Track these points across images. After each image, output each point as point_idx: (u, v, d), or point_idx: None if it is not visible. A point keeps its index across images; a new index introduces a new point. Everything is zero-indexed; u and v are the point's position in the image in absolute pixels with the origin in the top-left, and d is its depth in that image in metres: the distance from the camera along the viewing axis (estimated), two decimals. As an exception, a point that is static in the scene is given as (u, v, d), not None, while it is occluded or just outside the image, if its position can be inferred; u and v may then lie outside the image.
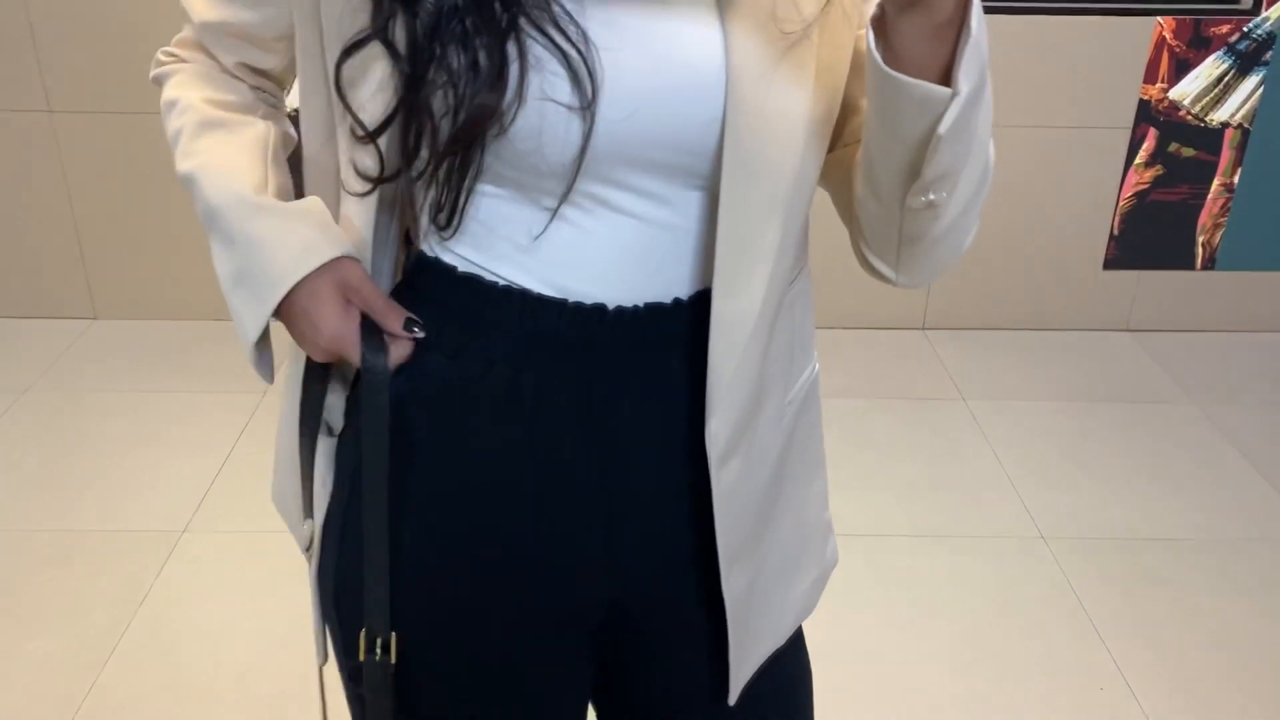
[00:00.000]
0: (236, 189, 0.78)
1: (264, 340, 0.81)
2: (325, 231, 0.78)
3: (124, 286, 3.09)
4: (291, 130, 0.89)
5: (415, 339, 0.78)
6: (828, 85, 0.73)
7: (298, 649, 1.91)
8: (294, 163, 0.89)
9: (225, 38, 0.83)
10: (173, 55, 0.88)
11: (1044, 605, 2.10)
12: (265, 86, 0.89)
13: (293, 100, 0.86)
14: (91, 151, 2.93)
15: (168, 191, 2.95)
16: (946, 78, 0.64)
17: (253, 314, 0.78)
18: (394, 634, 0.80)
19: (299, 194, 0.83)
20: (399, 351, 0.78)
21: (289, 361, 0.87)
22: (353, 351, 0.77)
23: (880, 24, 0.64)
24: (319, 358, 0.80)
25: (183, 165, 0.81)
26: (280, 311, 0.78)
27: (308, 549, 0.87)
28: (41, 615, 2.01)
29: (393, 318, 0.78)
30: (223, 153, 0.80)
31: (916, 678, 1.92)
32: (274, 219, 0.77)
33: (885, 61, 0.64)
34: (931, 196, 0.70)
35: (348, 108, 0.72)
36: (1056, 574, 2.19)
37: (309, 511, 0.86)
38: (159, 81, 0.87)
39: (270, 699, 1.82)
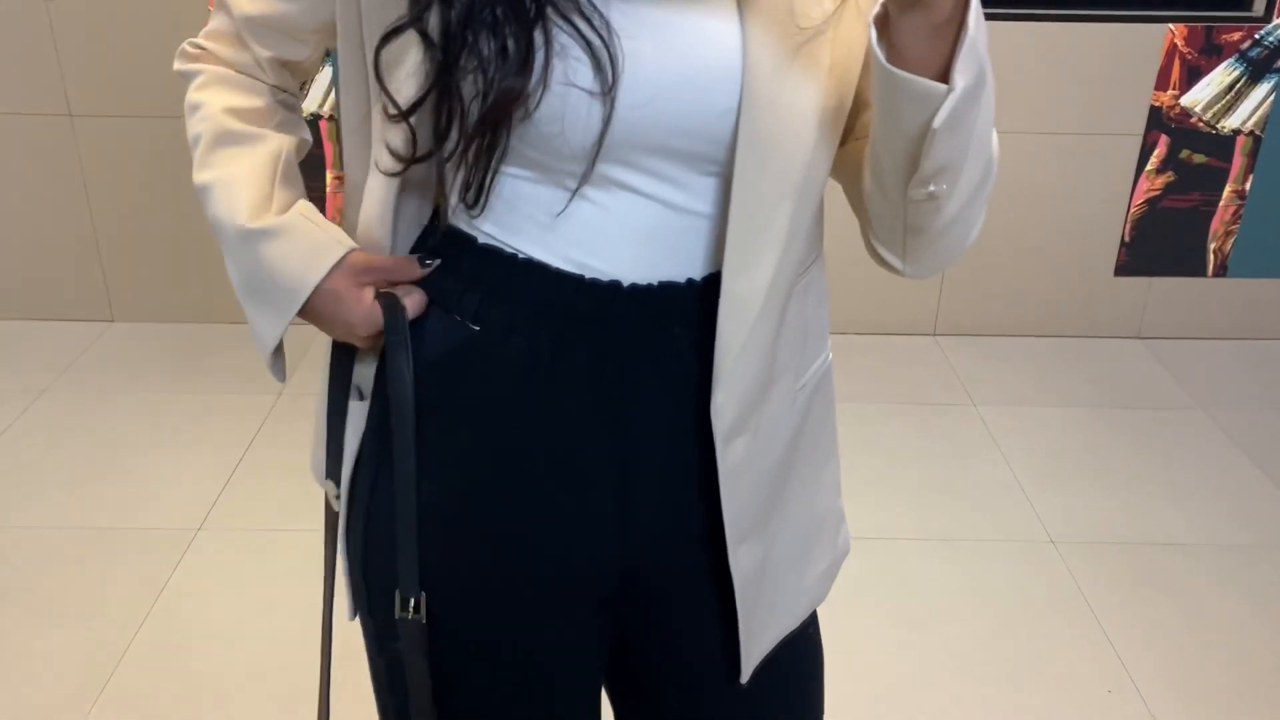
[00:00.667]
0: (237, 217, 0.82)
1: (279, 345, 0.86)
2: (323, 235, 0.83)
3: (141, 289, 3.12)
4: (306, 135, 0.93)
5: (431, 270, 0.82)
6: (840, 79, 0.76)
7: (312, 646, 1.92)
8: (306, 164, 0.92)
9: (265, 30, 0.86)
10: (200, 48, 0.90)
11: (1053, 609, 2.10)
12: (287, 86, 0.92)
13: (310, 104, 0.89)
14: (110, 155, 2.97)
15: (185, 195, 2.98)
16: (946, 75, 0.67)
17: (270, 322, 0.84)
18: (422, 594, 0.84)
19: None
20: (416, 299, 0.83)
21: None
22: (378, 319, 0.82)
23: (883, 22, 0.67)
24: (365, 346, 0.86)
25: (198, 176, 0.85)
26: (305, 315, 0.84)
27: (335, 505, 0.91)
28: (58, 611, 2.03)
29: (406, 269, 0.82)
30: (233, 171, 0.84)
31: (925, 681, 1.93)
32: (273, 241, 0.82)
33: (887, 58, 0.67)
34: (931, 188, 0.73)
35: (385, 90, 0.76)
36: (1066, 578, 2.19)
37: (333, 474, 0.89)
38: (185, 77, 0.90)
39: (284, 696, 1.84)
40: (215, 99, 0.87)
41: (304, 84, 0.95)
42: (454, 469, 0.84)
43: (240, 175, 0.84)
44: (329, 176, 2.67)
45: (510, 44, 0.71)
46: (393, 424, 0.83)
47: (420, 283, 0.84)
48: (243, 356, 2.92)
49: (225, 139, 0.86)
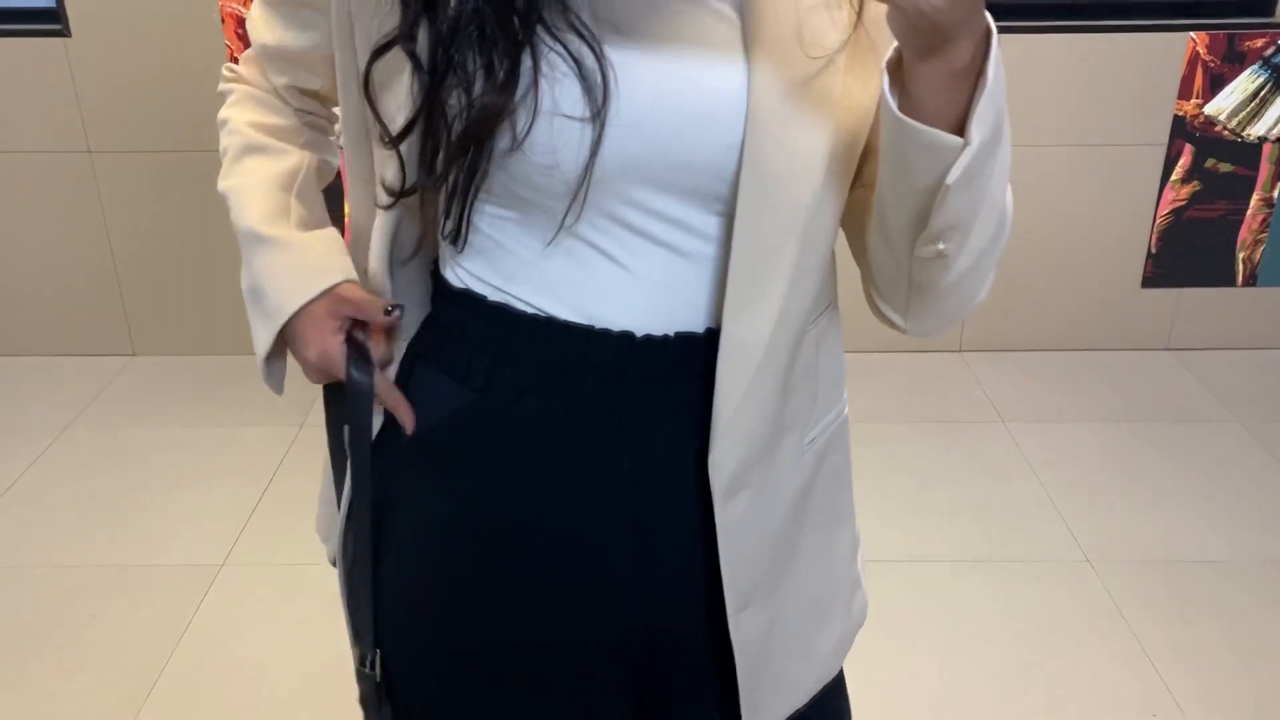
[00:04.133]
0: (250, 220, 0.84)
1: (275, 355, 0.86)
2: (326, 260, 0.83)
3: (162, 323, 3.13)
4: (333, 158, 0.94)
5: (394, 319, 0.81)
6: (852, 118, 0.72)
7: (337, 682, 1.91)
8: (327, 194, 0.93)
9: (279, 60, 0.88)
10: (234, 72, 0.93)
11: (1092, 630, 2.06)
12: (313, 109, 0.92)
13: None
14: (129, 190, 2.97)
15: (204, 229, 2.99)
16: (961, 127, 0.63)
17: (263, 331, 0.84)
18: (378, 651, 0.84)
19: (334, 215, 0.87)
20: (385, 337, 0.82)
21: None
22: (339, 368, 0.81)
23: (896, 67, 0.64)
24: (312, 378, 0.85)
25: (221, 184, 0.88)
26: (286, 334, 0.84)
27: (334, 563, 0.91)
28: (83, 650, 2.01)
29: (373, 310, 0.81)
30: (252, 180, 0.86)
31: (961, 707, 1.88)
32: (278, 252, 0.83)
33: (900, 107, 0.63)
34: (941, 246, 0.69)
35: (375, 113, 0.75)
36: (1104, 598, 2.14)
37: (332, 529, 0.89)
38: (222, 96, 0.93)
39: (310, 733, 1.82)
40: (242, 114, 0.90)
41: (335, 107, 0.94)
42: (466, 539, 0.81)
43: (257, 184, 0.86)
44: (347, 208, 2.67)
45: (495, 60, 0.69)
46: (352, 475, 0.82)
47: (429, 350, 0.82)
48: (264, 388, 2.90)
49: (248, 150, 0.88)
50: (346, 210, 2.67)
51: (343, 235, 0.87)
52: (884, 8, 0.61)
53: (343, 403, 0.84)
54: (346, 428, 0.84)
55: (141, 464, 2.63)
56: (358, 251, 0.86)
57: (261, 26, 0.87)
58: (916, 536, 2.34)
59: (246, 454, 2.65)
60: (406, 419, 0.81)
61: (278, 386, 0.88)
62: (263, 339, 0.84)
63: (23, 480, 2.55)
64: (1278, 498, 2.47)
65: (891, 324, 0.81)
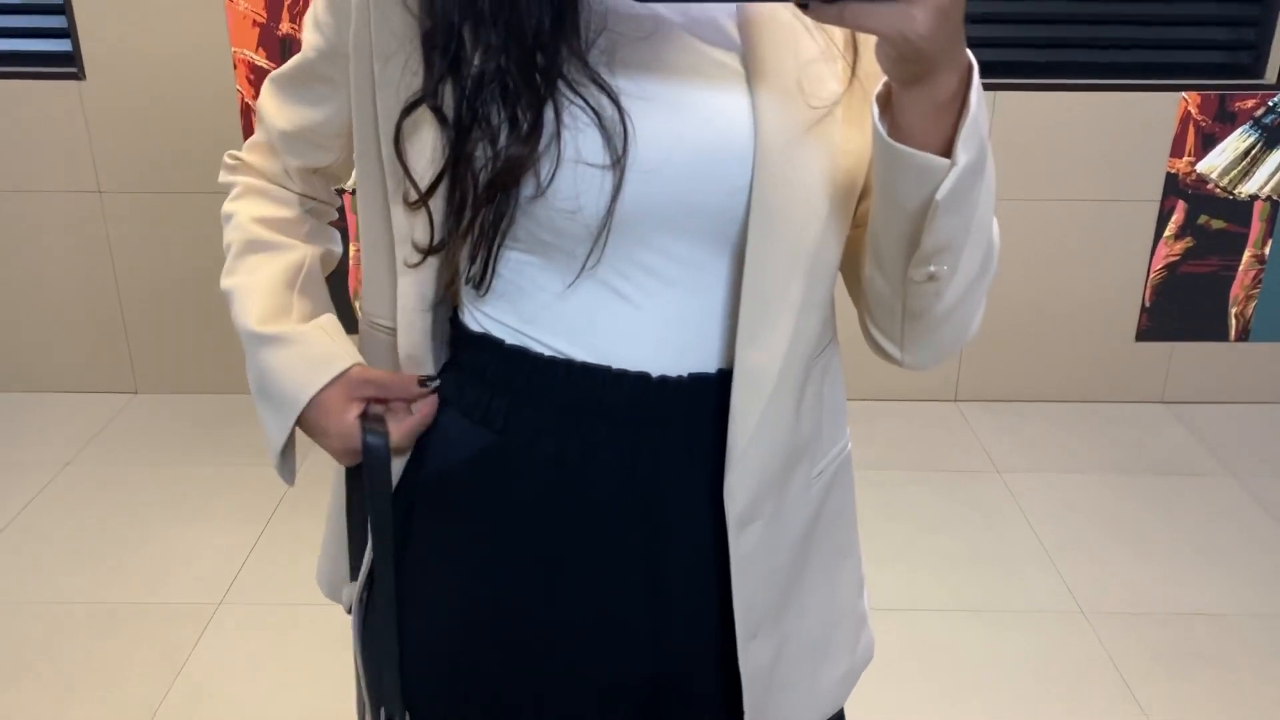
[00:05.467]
0: (250, 321, 0.86)
1: (287, 448, 0.87)
2: (330, 348, 0.85)
3: (165, 362, 3.15)
4: (335, 247, 0.97)
5: (430, 391, 0.83)
6: (850, 161, 0.76)
7: (332, 723, 1.91)
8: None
9: (293, 142, 0.90)
10: (238, 160, 0.95)
11: (1086, 681, 2.06)
12: (318, 194, 0.95)
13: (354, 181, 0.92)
14: (137, 230, 3.01)
15: (209, 269, 3.02)
16: (947, 153, 0.67)
17: (276, 427, 0.86)
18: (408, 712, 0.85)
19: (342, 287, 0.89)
20: (408, 425, 0.83)
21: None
22: (359, 441, 0.83)
23: (886, 100, 0.68)
24: (342, 460, 0.86)
25: (225, 281, 0.90)
26: (302, 425, 0.85)
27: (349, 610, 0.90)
28: (79, 687, 2.01)
29: (404, 387, 0.83)
30: (253, 280, 0.88)
31: (957, 756, 1.88)
32: (280, 347, 0.85)
33: (890, 135, 0.67)
34: (932, 269, 0.72)
35: (406, 170, 0.77)
36: (1097, 649, 2.15)
37: (356, 574, 0.89)
38: (226, 189, 0.95)
39: (304, 774, 1.81)
40: (246, 209, 0.91)
41: (343, 181, 0.97)
42: (481, 580, 0.83)
43: (257, 283, 0.88)
44: (352, 249, 2.71)
45: (519, 114, 0.72)
46: (373, 544, 0.83)
47: (449, 394, 0.84)
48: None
49: (251, 247, 0.90)
50: (351, 249, 2.70)
51: (348, 271, 0.88)
52: (876, 65, 0.66)
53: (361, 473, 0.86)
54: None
55: (141, 501, 2.64)
56: (370, 308, 0.88)
57: (274, 111, 0.90)
58: (911, 584, 2.35)
59: (246, 493, 2.66)
60: (424, 415, 0.83)
61: (290, 478, 0.90)
62: (276, 434, 0.86)
63: (23, 516, 2.56)
64: (1270, 551, 2.48)
65: (888, 356, 0.83)
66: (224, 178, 0.96)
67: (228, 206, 0.93)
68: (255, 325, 0.85)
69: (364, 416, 0.83)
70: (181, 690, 2.01)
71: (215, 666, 2.08)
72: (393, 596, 0.84)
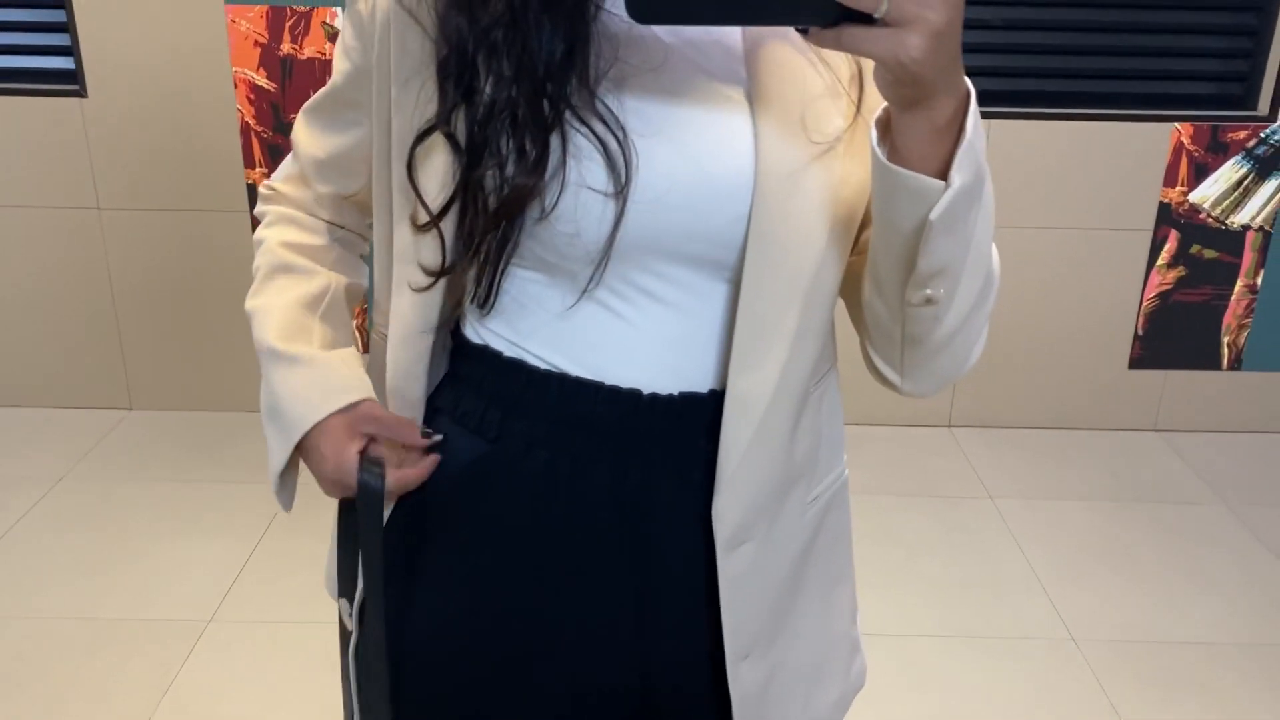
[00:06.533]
0: (270, 338, 0.86)
1: (288, 472, 0.88)
2: (346, 379, 0.86)
3: (160, 378, 3.15)
4: (362, 280, 0.98)
5: (431, 443, 0.84)
6: (850, 193, 0.77)
7: (320, 742, 1.90)
8: None
9: (326, 169, 0.92)
10: (272, 189, 0.96)
11: (1076, 708, 2.06)
12: (349, 223, 0.96)
13: None
14: (135, 247, 3.02)
15: (206, 286, 3.03)
16: (944, 176, 0.68)
17: (279, 447, 0.86)
18: None
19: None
20: (407, 475, 0.84)
21: None
22: (353, 479, 0.83)
23: (885, 126, 0.69)
24: (328, 491, 0.87)
25: (249, 302, 0.91)
26: (301, 451, 0.86)
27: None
28: (68, 703, 2.01)
29: (407, 432, 0.84)
30: (278, 301, 0.89)
31: (946, 782, 1.88)
32: (297, 368, 0.85)
33: (888, 159, 0.68)
34: (929, 291, 0.73)
35: (417, 192, 0.78)
36: (1088, 676, 2.15)
37: (346, 592, 0.89)
38: (260, 217, 0.97)
39: (291, 793, 1.81)
40: (276, 235, 0.93)
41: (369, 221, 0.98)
42: (470, 589, 0.84)
43: (281, 303, 0.89)
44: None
45: (528, 143, 0.73)
46: (364, 579, 0.84)
47: (445, 404, 0.85)
48: (259, 445, 2.91)
49: (277, 270, 0.91)
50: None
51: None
52: (880, 100, 0.67)
53: (354, 511, 0.86)
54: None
55: (133, 517, 2.63)
56: (380, 318, 0.89)
57: (307, 141, 0.91)
58: (903, 609, 2.35)
59: (238, 510, 2.66)
60: (422, 473, 0.84)
61: (288, 504, 0.90)
62: (278, 454, 0.86)
63: (15, 530, 2.56)
64: (1260, 580, 2.48)
65: (888, 383, 0.84)
66: (260, 208, 0.97)
67: (260, 233, 0.95)
68: (276, 342, 0.86)
69: (364, 455, 0.84)
70: (170, 707, 2.00)
71: (204, 684, 2.07)
72: (382, 626, 0.84)
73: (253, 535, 2.55)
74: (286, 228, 0.94)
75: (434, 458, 0.84)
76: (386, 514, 0.86)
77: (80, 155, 2.93)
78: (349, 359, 0.88)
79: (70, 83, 2.87)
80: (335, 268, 0.94)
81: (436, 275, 0.79)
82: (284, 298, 0.89)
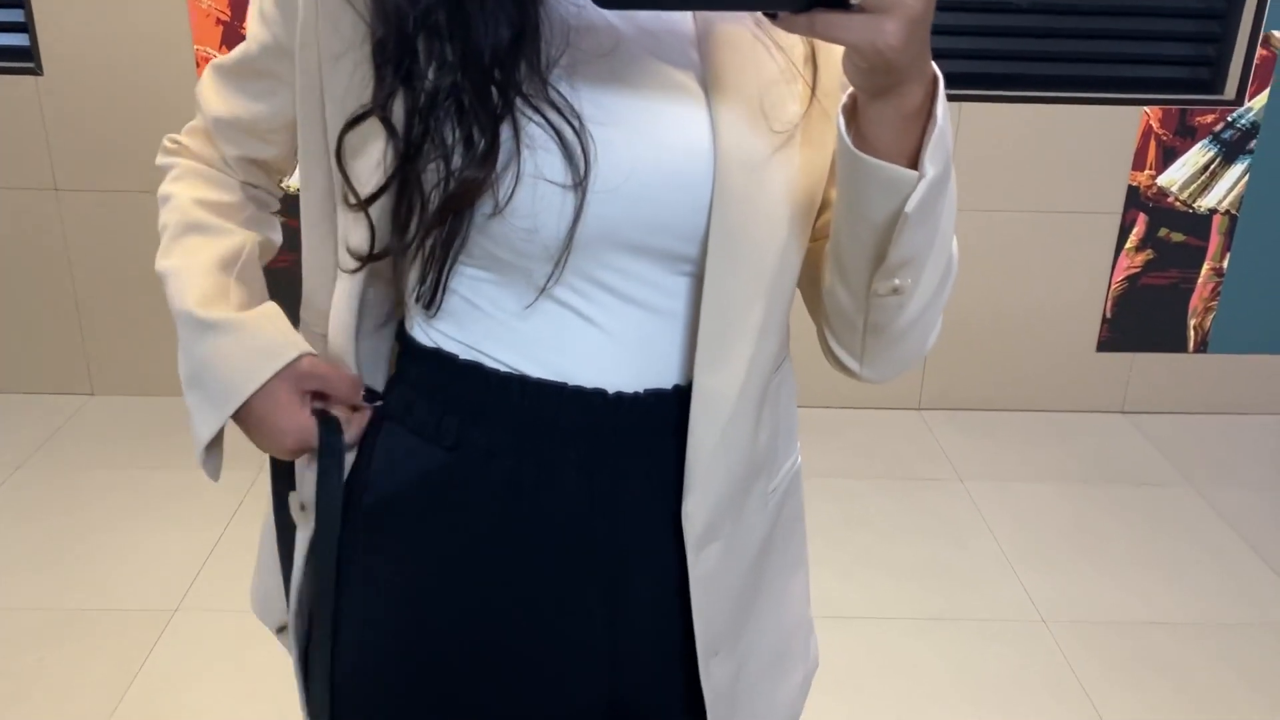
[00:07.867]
0: (189, 304, 0.81)
1: (215, 442, 0.83)
2: (277, 337, 0.81)
3: (122, 363, 3.10)
4: (275, 236, 0.93)
5: (370, 411, 0.81)
6: (809, 179, 0.75)
7: (289, 732, 1.88)
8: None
9: (232, 131, 0.87)
10: (178, 144, 0.91)
11: (1046, 689, 2.08)
12: (259, 182, 0.91)
13: (295, 181, 0.90)
14: (94, 229, 2.96)
15: (170, 269, 2.98)
16: (913, 165, 0.66)
17: (206, 418, 0.81)
18: None
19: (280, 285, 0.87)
20: (358, 424, 0.81)
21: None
22: (315, 439, 0.80)
23: (851, 112, 0.67)
24: (286, 456, 0.83)
25: (160, 263, 0.85)
26: (238, 417, 0.81)
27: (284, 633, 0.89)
28: (30, 695, 1.97)
29: (348, 390, 0.80)
30: (192, 262, 0.84)
31: (918, 764, 1.89)
32: (223, 335, 0.80)
33: (856, 147, 0.66)
34: (896, 282, 0.72)
35: (345, 178, 0.74)
36: (1058, 658, 2.17)
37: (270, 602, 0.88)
38: (162, 170, 0.91)
39: (260, 784, 1.79)
40: (185, 191, 0.87)
41: (285, 176, 0.94)
42: (434, 603, 0.81)
43: (196, 265, 0.83)
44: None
45: (475, 134, 0.69)
46: (317, 549, 0.81)
47: (396, 410, 0.81)
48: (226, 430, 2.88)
49: (189, 229, 0.85)
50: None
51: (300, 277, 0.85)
52: (835, 83, 0.65)
53: (291, 474, 0.83)
54: (292, 496, 0.84)
55: (96, 505, 2.59)
56: (307, 309, 0.85)
57: (214, 98, 0.86)
58: (873, 593, 2.35)
59: (203, 497, 2.61)
60: (359, 429, 0.82)
61: (215, 473, 0.85)
62: (208, 425, 0.81)
63: (-27, 519, 2.51)
64: (1228, 560, 2.51)
65: (846, 370, 0.82)
66: (162, 160, 0.91)
67: (165, 188, 0.89)
68: (195, 308, 0.81)
69: (322, 417, 0.80)
70: (136, 697, 1.97)
71: (171, 673, 2.04)
72: (332, 601, 0.82)
73: (218, 523, 2.52)
74: (197, 183, 0.88)
75: (366, 415, 0.81)
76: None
77: (36, 135, 2.86)
78: (272, 315, 0.83)
79: (25, 60, 2.80)
80: (248, 225, 0.89)
81: (363, 260, 0.76)
82: (198, 258, 0.84)
